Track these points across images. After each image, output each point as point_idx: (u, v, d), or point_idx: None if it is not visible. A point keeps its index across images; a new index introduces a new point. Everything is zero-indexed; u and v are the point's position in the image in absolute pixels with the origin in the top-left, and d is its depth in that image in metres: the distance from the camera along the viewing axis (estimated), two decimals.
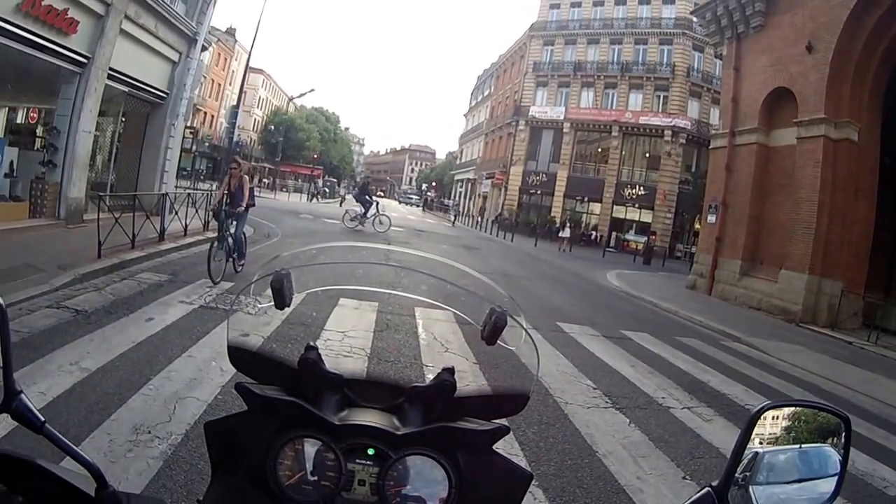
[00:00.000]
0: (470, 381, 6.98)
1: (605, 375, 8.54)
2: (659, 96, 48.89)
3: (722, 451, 6.08)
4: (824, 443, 1.40)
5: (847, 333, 18.09)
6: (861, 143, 19.73)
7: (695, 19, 29.02)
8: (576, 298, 16.83)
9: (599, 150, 50.98)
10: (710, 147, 27.10)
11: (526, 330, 1.51)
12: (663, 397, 7.89)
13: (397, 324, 9.58)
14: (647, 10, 50.85)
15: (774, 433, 1.41)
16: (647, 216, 47.70)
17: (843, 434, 1.38)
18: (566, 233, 38.88)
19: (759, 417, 1.32)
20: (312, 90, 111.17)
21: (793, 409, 1.42)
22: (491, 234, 43.71)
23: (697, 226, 33.75)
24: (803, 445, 1.40)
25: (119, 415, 4.75)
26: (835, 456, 1.37)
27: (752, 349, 13.58)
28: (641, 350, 10.87)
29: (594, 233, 48.53)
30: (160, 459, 4.13)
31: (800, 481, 1.37)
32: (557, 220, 48.74)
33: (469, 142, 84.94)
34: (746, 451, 1.33)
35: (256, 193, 13.71)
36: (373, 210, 27.13)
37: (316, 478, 1.24)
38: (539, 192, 54.30)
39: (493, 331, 1.59)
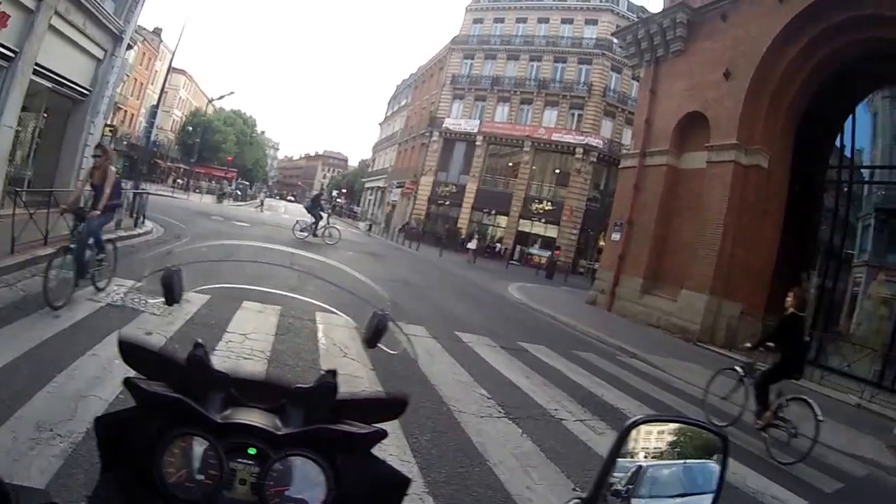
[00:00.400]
0: (366, 386, 6.97)
1: (500, 386, 8.58)
2: (574, 114, 49.49)
3: None
4: (708, 459, 1.45)
5: (744, 354, 18.09)
6: (771, 170, 20.29)
7: (615, 41, 29.52)
8: (476, 309, 16.86)
9: (510, 164, 51.31)
10: (620, 166, 27.56)
11: (406, 335, 1.58)
12: (556, 409, 7.93)
13: (298, 328, 9.54)
14: (568, 29, 51.60)
15: (659, 447, 1.47)
16: (552, 231, 48.18)
17: (722, 452, 1.43)
18: (473, 244, 39.07)
19: (630, 431, 1.41)
20: (232, 93, 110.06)
21: (677, 425, 1.49)
22: (398, 242, 43.67)
23: (602, 243, 34.39)
24: (687, 461, 1.45)
25: (23, 412, 4.66)
26: (717, 473, 1.42)
27: (648, 366, 13.75)
28: (537, 362, 10.92)
29: (499, 245, 48.76)
30: (61, 458, 4.06)
31: (682, 496, 1.41)
32: (464, 232, 49.07)
33: (382, 150, 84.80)
34: (629, 464, 1.43)
35: (169, 194, 12.80)
36: (323, 222, 27.37)
37: (200, 476, 1.23)
38: (448, 203, 54.44)
39: (374, 333, 1.76)
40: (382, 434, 1.31)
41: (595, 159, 47.96)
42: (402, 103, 77.69)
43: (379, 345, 1.79)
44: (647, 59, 25.20)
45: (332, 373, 1.35)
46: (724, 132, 20.47)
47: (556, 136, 48.82)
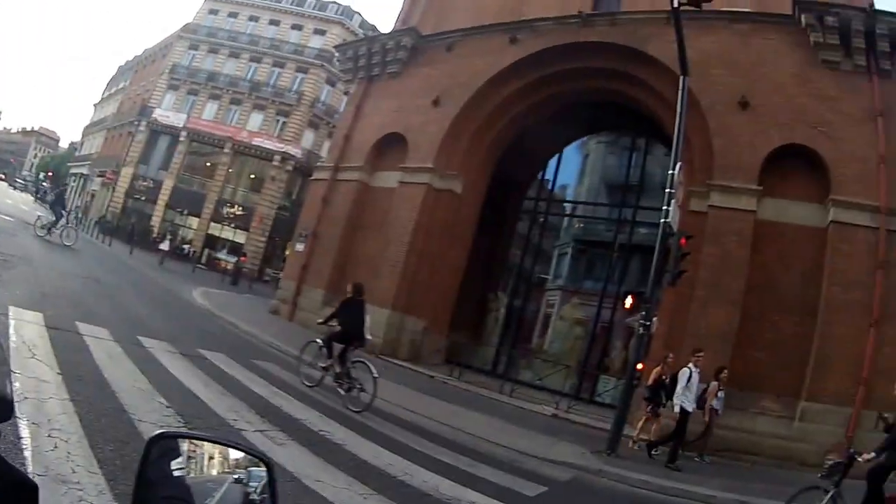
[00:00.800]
0: (53, 392, 6.39)
1: (179, 394, 8.24)
2: (279, 121, 48.64)
3: (296, 474, 6.17)
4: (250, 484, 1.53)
5: (429, 368, 19.15)
6: (464, 196, 21.32)
7: (336, 53, 29.55)
8: (160, 313, 16.37)
9: (208, 164, 49.37)
10: (313, 177, 27.52)
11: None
12: (235, 419, 7.77)
13: None
14: (296, 35, 50.69)
15: (202, 465, 1.50)
16: (241, 237, 46.99)
17: (269, 478, 1.53)
18: (165, 245, 37.37)
19: (155, 444, 1.40)
20: None
21: (216, 445, 1.55)
22: (91, 236, 40.01)
23: (288, 252, 34.09)
24: (215, 472, 1.50)
25: None
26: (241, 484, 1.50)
27: None
28: (217, 370, 10.71)
29: (188, 247, 46.42)
30: None
31: None
32: (156, 230, 46.63)
33: (92, 134, 76.99)
34: (205, 479, 1.45)
35: None
36: (63, 221, 24.41)
37: None
38: (144, 198, 51.20)
39: None
40: None
41: (291, 168, 47.58)
42: (120, 86, 71.29)
43: None
44: (361, 76, 25.25)
45: None
46: (422, 156, 20.99)
47: (257, 141, 47.88)
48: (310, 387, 11.60)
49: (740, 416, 14.71)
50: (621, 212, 21.38)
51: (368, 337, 12.30)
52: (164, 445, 1.47)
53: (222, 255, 46.48)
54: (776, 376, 15.10)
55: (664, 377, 13.16)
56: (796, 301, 15.41)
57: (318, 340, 11.94)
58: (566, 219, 24.27)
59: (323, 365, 11.68)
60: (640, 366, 12.96)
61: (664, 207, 12.45)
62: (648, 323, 12.39)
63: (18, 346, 7.93)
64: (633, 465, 11.30)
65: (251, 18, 52.92)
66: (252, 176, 48.74)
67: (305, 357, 12.25)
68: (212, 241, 48.02)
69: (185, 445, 1.50)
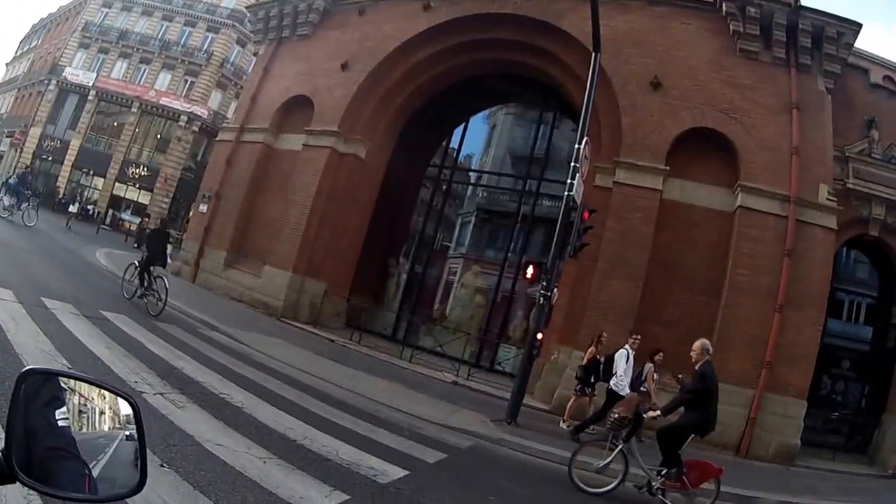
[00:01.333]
0: None
1: (81, 356, 7.97)
2: (187, 81, 46.94)
3: (196, 438, 6.06)
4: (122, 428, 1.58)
5: (330, 332, 18.67)
6: (368, 161, 20.67)
7: (248, 14, 28.72)
8: (64, 274, 15.75)
9: (116, 124, 47.46)
10: (217, 139, 26.76)
11: None
12: (136, 381, 7.53)
13: None
14: None
15: (81, 399, 1.54)
16: (145, 198, 45.38)
17: (134, 416, 1.59)
18: (74, 208, 35.97)
19: (23, 381, 1.40)
20: None
21: (90, 385, 1.58)
22: None
23: (192, 213, 33.32)
24: (107, 428, 1.57)
25: None
26: (134, 439, 1.56)
27: (231, 339, 13.48)
28: (119, 332, 10.40)
29: (92, 208, 44.68)
30: None
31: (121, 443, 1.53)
32: (62, 191, 44.94)
33: (2, 94, 72.25)
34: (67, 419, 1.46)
35: None
36: (25, 203, 24.84)
37: None
38: (51, 158, 49.00)
39: None
40: None
41: (197, 129, 46.16)
42: (33, 44, 68.08)
43: None
44: (271, 37, 24.32)
45: None
46: (327, 119, 20.32)
47: (164, 101, 46.19)
48: (128, 299, 14.23)
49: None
50: (526, 183, 21.08)
51: (169, 261, 16.45)
52: (48, 394, 1.46)
53: (126, 215, 44.92)
54: (678, 353, 15.14)
55: (598, 357, 12.96)
56: (700, 281, 15.49)
57: (136, 263, 14.54)
58: (470, 188, 24.10)
59: (135, 281, 14.44)
60: (539, 335, 12.54)
61: (569, 181, 12.18)
62: (549, 293, 12.28)
63: None
64: (534, 434, 11.19)
65: None
66: (158, 136, 47.02)
67: (127, 276, 14.79)
68: (117, 202, 46.24)
69: (74, 399, 1.52)
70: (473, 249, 22.96)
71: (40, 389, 1.45)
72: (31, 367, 1.41)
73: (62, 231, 29.39)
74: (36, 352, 7.39)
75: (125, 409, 1.60)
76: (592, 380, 12.99)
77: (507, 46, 19.27)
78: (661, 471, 8.45)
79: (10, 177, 32.24)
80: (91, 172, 47.63)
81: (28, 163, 46.40)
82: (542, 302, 12.37)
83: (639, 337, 12.66)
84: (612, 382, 11.96)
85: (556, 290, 13.18)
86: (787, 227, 15.13)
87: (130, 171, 46.01)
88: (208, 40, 47.45)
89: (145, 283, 14.13)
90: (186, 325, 13.74)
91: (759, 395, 14.49)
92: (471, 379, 16.33)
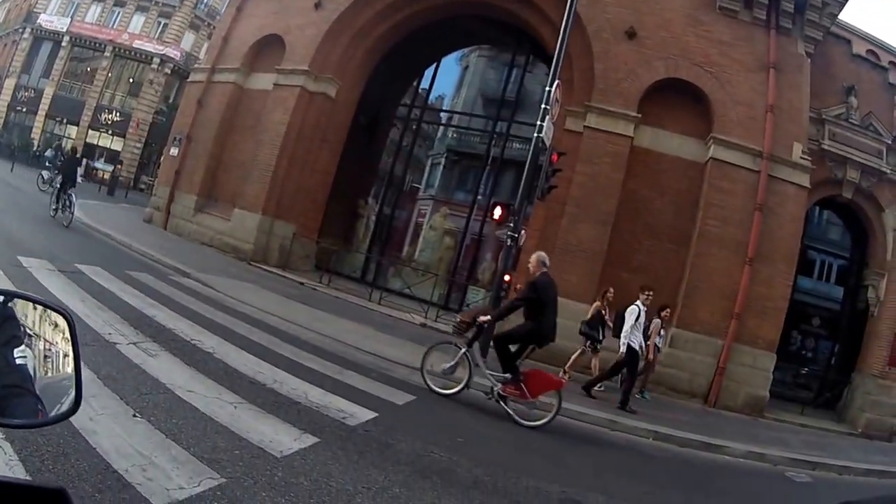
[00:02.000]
0: None
1: None
2: (160, 22, 46.19)
3: (168, 385, 6.16)
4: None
5: (299, 275, 18.60)
6: (339, 100, 20.28)
7: None
8: (40, 230, 15.72)
9: (89, 69, 46.57)
10: (189, 80, 26.24)
11: None
12: (110, 333, 7.53)
13: None
14: None
15: (38, 333, 1.58)
16: (118, 144, 44.76)
17: (69, 332, 1.59)
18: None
19: None
20: None
21: (25, 301, 1.60)
22: None
23: (163, 158, 32.82)
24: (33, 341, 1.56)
25: None
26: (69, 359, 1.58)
27: (201, 285, 13.49)
28: (93, 285, 10.36)
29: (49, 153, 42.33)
30: None
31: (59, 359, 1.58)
32: (37, 142, 44.20)
33: None
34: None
35: None
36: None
37: None
38: (26, 109, 47.86)
39: None
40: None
41: (169, 71, 45.50)
42: None
43: None
44: None
45: None
46: (298, 58, 19.95)
47: (137, 44, 45.42)
48: (52, 216, 17.26)
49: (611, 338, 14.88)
50: (497, 125, 20.94)
51: (79, 180, 18.89)
52: (6, 335, 1.50)
53: (99, 164, 44.01)
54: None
55: (603, 312, 12.95)
56: (669, 229, 15.66)
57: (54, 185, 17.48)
58: (441, 129, 23.95)
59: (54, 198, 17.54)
60: (507, 277, 12.48)
61: (539, 122, 12.03)
62: (516, 235, 12.20)
63: None
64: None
65: None
66: (131, 80, 46.28)
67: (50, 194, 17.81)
68: (90, 150, 44.78)
69: (34, 343, 1.56)
70: (443, 191, 22.86)
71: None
72: None
73: (35, 184, 28.65)
74: None
75: (63, 326, 1.63)
76: (598, 335, 12.97)
77: None
78: (501, 378, 9.00)
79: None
80: (64, 121, 46.74)
81: (2, 115, 46.90)
82: (509, 244, 12.27)
83: (651, 293, 12.41)
84: (622, 338, 11.83)
85: (523, 232, 13.13)
86: (759, 182, 15.22)
87: (103, 118, 45.24)
88: None
89: (60, 200, 17.27)
90: (158, 272, 13.76)
91: (728, 345, 14.71)
92: (439, 321, 16.28)
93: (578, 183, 15.52)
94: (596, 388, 12.12)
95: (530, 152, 12.18)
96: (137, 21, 46.23)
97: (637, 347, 11.76)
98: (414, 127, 22.83)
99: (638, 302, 12.08)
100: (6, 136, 45.61)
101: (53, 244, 13.63)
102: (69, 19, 47.05)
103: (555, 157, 12.57)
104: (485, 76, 23.10)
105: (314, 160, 20.01)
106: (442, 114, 23.77)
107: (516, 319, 9.82)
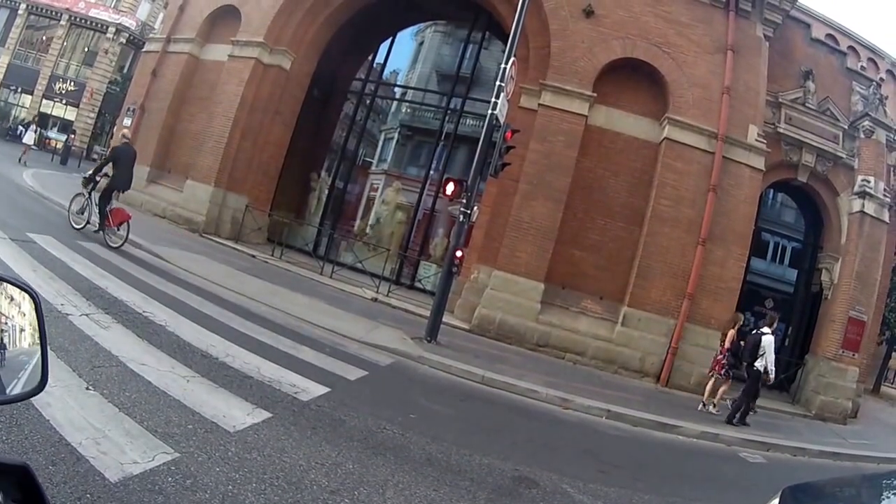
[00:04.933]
0: None
1: None
2: None
3: (121, 358, 6.14)
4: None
5: (251, 247, 18.59)
6: (293, 73, 20.29)
7: None
8: None
9: (45, 38, 45.86)
10: (144, 50, 25.96)
11: None
12: (62, 304, 7.49)
13: None
14: None
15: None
16: (71, 114, 44.16)
17: (34, 310, 1.60)
18: (30, 138, 31.65)
19: None
20: None
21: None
22: None
23: (116, 128, 32.46)
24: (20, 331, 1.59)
25: None
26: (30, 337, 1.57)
27: (154, 257, 13.39)
28: (44, 254, 10.27)
29: (21, 128, 41.21)
30: None
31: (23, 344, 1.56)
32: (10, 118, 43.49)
33: None
34: None
35: None
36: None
37: None
38: None
39: None
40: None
41: (125, 41, 45.01)
42: None
43: None
44: None
45: None
46: (253, 29, 19.82)
47: (94, 13, 44.70)
48: (79, 228, 13.86)
49: (562, 313, 15.07)
50: (450, 101, 20.86)
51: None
52: None
53: (53, 133, 43.73)
54: (600, 277, 15.50)
55: (739, 340, 13.12)
56: (623, 208, 15.82)
57: (84, 193, 14.30)
58: (395, 104, 23.85)
59: (99, 225, 13.86)
60: (459, 253, 12.60)
61: (493, 99, 12.15)
62: (469, 211, 12.38)
63: None
64: (453, 353, 11.36)
65: None
66: (86, 50, 45.65)
67: (74, 208, 14.53)
68: (44, 120, 44.71)
69: None
70: (396, 166, 22.74)
71: None
72: None
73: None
74: None
75: (28, 305, 1.64)
76: (736, 363, 13.15)
77: None
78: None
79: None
80: (19, 90, 45.99)
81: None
82: (461, 220, 12.43)
83: (777, 316, 13.28)
84: (758, 364, 12.35)
85: (476, 208, 13.25)
86: (713, 163, 15.44)
87: (57, 87, 44.71)
88: None
89: (105, 215, 13.42)
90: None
91: (680, 325, 14.98)
92: (391, 296, 16.41)
93: (532, 160, 15.55)
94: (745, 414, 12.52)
95: (484, 129, 12.31)
96: None
97: (770, 374, 12.45)
98: (368, 101, 22.75)
99: (767, 329, 12.65)
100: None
101: (3, 212, 13.50)
102: None
103: (508, 134, 12.66)
104: (440, 52, 23.01)
105: (267, 132, 19.96)
106: (396, 89, 23.70)
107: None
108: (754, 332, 12.82)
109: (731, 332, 13.16)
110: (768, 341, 12.35)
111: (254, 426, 5.48)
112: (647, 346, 14.89)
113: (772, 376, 12.57)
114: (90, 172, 14.34)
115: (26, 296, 1.60)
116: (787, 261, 19.55)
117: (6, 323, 1.61)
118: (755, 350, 12.44)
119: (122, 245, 12.95)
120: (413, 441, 6.32)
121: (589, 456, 8.15)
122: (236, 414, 5.63)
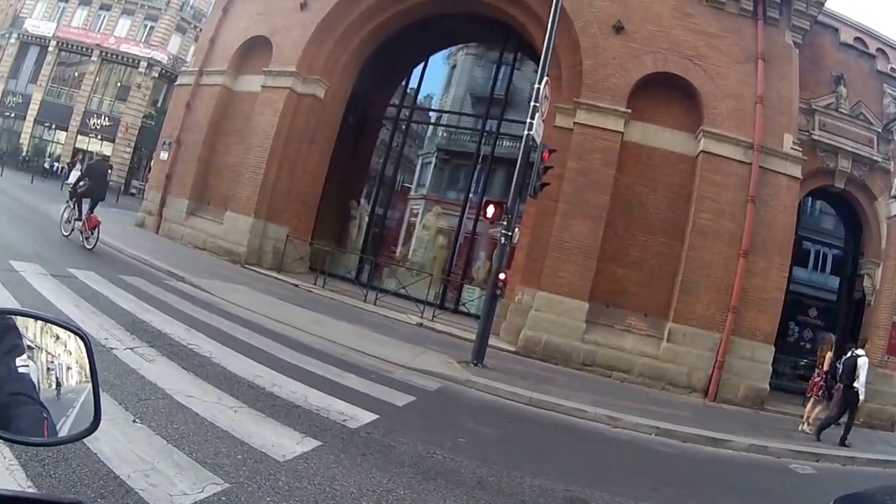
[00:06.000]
0: None
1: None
2: (147, 25, 46.43)
3: (167, 391, 6.15)
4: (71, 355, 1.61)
5: (294, 277, 18.72)
6: (327, 101, 20.43)
7: None
8: (30, 234, 15.53)
9: (76, 74, 46.66)
10: (177, 83, 26.27)
11: None
12: (106, 338, 7.49)
13: None
14: None
15: (39, 345, 1.57)
16: (107, 149, 43.83)
17: (85, 352, 1.60)
18: (74, 176, 30.38)
19: None
20: None
21: (36, 321, 1.61)
22: None
23: (153, 162, 32.66)
24: (66, 369, 1.61)
25: None
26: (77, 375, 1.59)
27: (196, 289, 13.45)
28: (86, 289, 10.36)
29: (56, 164, 43.94)
30: None
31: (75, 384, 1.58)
32: (25, 148, 44.55)
33: None
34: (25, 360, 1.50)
35: None
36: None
37: None
38: (14, 115, 47.93)
39: None
40: None
41: (157, 75, 45.71)
42: None
43: None
44: None
45: None
46: (285, 59, 20.06)
47: (124, 48, 45.62)
48: (66, 235, 15.82)
49: (607, 332, 15.01)
50: (486, 123, 20.89)
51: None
52: (8, 343, 1.52)
53: None
54: (643, 294, 15.40)
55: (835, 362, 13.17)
56: (663, 223, 15.75)
57: (69, 203, 16.32)
58: (431, 128, 24.10)
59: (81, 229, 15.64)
60: (502, 276, 12.57)
61: (528, 120, 12.18)
62: (510, 233, 12.38)
63: None
64: (501, 375, 11.31)
65: None
66: (119, 84, 46.36)
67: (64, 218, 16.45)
68: (80, 156, 43.96)
69: (35, 345, 1.56)
70: (435, 190, 22.98)
71: (1, 340, 1.49)
72: None
73: (21, 187, 28.85)
74: None
75: (78, 346, 1.63)
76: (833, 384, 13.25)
77: None
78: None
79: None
80: (53, 126, 46.79)
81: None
82: (503, 242, 12.41)
83: (866, 339, 13.93)
84: (856, 384, 12.51)
85: (517, 229, 13.20)
86: (750, 174, 15.28)
87: (92, 123, 45.34)
88: None
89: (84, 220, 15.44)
90: (152, 276, 13.75)
91: (725, 339, 14.78)
92: (436, 320, 16.46)
93: (570, 179, 15.60)
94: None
95: (521, 150, 12.34)
96: (124, 25, 46.36)
97: (861, 395, 12.59)
98: (403, 127, 22.92)
99: (861, 351, 12.84)
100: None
101: (44, 248, 13.67)
102: (55, 24, 47.16)
103: (546, 154, 12.67)
104: (472, 74, 23.24)
105: (304, 162, 20.12)
106: (431, 113, 23.92)
107: None
108: (849, 354, 12.86)
109: (829, 355, 13.31)
110: (864, 363, 12.54)
111: (303, 455, 5.49)
112: (694, 361, 14.78)
113: (862, 397, 12.63)
114: (71, 187, 16.83)
115: (74, 336, 1.62)
116: (828, 268, 19.32)
117: (54, 362, 1.63)
118: (853, 372, 12.53)
119: (95, 247, 14.87)
120: (463, 465, 6.31)
121: (639, 474, 8.07)
122: (285, 443, 5.65)
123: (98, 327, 7.90)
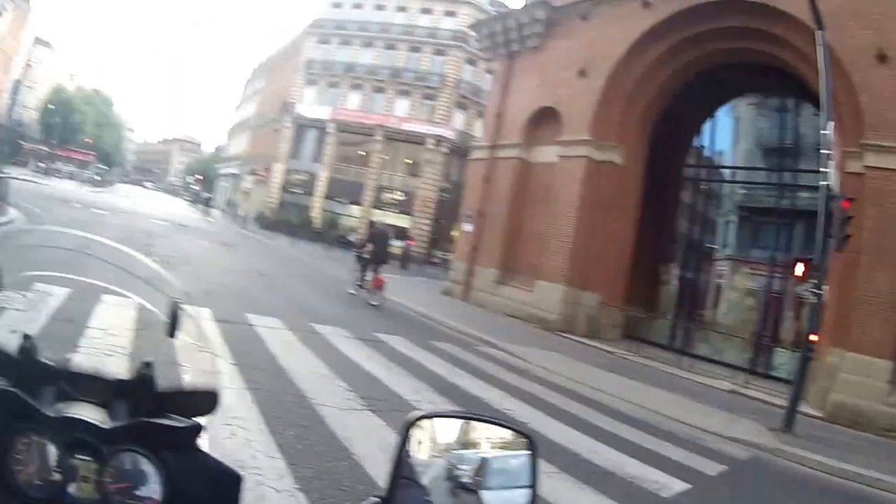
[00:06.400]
0: (227, 383, 6.63)
1: (359, 378, 8.51)
2: (426, 104, 49.95)
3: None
4: (516, 452, 1.48)
5: (608, 343, 19.11)
6: (625, 165, 21.20)
7: (473, 34, 30.23)
8: (331, 300, 16.85)
9: (362, 152, 51.11)
10: (471, 158, 28.41)
11: (199, 326, 1.63)
12: (418, 400, 7.91)
13: (156, 322, 9.01)
14: (427, 19, 51.73)
15: (462, 442, 1.46)
16: (405, 221, 47.82)
17: (530, 450, 1.44)
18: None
19: (413, 425, 1.36)
20: (100, 68, 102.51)
21: (485, 423, 1.51)
22: (251, 231, 42.93)
23: (455, 233, 34.56)
24: (502, 454, 1.47)
25: None
26: (528, 467, 1.42)
27: (509, 355, 13.87)
28: (395, 353, 10.94)
29: (353, 234, 46.31)
30: None
31: (514, 488, 1.40)
32: (316, 221, 49.05)
33: (237, 136, 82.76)
34: (470, 455, 1.41)
35: (30, 178, 12.16)
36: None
37: (44, 474, 1.18)
38: (301, 191, 53.81)
39: (172, 323, 1.90)
40: (198, 428, 1.25)
41: (446, 150, 48.62)
42: (257, 87, 76.36)
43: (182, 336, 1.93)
44: (501, 53, 25.74)
45: (149, 364, 1.28)
46: (576, 128, 21.24)
47: (407, 126, 49.13)
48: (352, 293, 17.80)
49: None
50: (780, 175, 20.75)
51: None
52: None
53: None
54: None
55: None
56: None
57: (358, 256, 18.27)
58: (727, 185, 24.32)
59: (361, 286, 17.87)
60: (815, 337, 11.80)
61: (822, 169, 11.68)
62: (820, 291, 11.64)
63: (186, 341, 8.18)
64: (808, 444, 10.64)
65: (377, 7, 54.18)
66: (407, 160, 50.07)
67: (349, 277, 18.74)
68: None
69: (444, 423, 1.48)
70: (738, 249, 23.43)
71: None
72: (421, 413, 1.42)
73: (316, 256, 31.72)
74: (310, 375, 7.96)
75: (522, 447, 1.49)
76: None
77: (732, 35, 19.18)
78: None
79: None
80: (345, 201, 51.48)
81: (276, 196, 53.46)
82: (814, 301, 11.75)
83: None
84: None
85: (826, 287, 12.13)
86: None
87: (385, 197, 49.56)
88: (438, 63, 50.40)
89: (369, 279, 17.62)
90: (461, 342, 14.38)
91: None
92: (748, 386, 15.95)
93: (868, 228, 14.19)
94: None
95: (820, 202, 11.83)
96: (402, 105, 50.76)
97: None
98: (702, 187, 23.54)
99: None
100: (282, 214, 52.20)
101: (347, 314, 14.44)
102: (329, 107, 52.69)
103: (845, 203, 11.93)
104: (756, 125, 23.07)
105: (611, 228, 21.10)
106: (723, 170, 24.21)
107: None
108: None
109: None
110: None
111: None
112: None
113: None
114: (357, 253, 18.74)
115: (527, 441, 1.47)
116: None
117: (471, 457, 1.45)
118: None
119: (382, 304, 16.82)
120: None
121: None
122: None
123: (409, 389, 8.38)
